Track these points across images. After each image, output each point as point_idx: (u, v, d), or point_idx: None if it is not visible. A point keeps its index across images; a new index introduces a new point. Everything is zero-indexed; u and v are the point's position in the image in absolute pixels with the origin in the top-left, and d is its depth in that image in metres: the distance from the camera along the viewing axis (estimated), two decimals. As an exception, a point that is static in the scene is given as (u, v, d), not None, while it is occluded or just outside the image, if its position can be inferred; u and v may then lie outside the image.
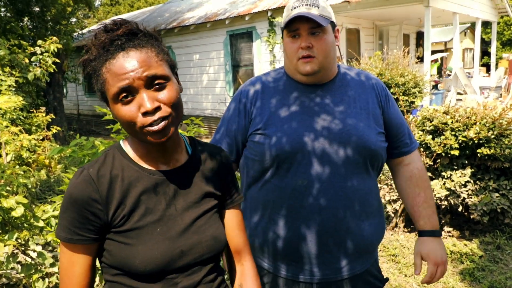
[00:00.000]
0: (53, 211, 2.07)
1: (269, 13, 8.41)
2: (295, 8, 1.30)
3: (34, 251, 2.00)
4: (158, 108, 0.87)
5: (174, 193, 0.98)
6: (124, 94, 0.87)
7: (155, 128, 0.87)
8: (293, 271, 1.32)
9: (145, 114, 0.87)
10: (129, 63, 0.86)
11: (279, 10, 8.30)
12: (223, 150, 1.13)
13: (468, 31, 22.35)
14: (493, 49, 12.50)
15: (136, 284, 0.93)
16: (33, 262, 1.99)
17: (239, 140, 1.41)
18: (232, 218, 1.11)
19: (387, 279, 1.45)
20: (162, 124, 0.88)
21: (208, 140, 1.35)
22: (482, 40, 21.15)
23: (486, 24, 20.87)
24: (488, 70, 18.25)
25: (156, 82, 0.88)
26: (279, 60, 8.65)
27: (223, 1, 10.52)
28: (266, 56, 8.83)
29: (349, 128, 1.29)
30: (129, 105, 0.87)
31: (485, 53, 24.18)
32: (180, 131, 1.07)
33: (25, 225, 2.00)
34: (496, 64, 14.95)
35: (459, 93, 10.11)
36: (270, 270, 1.37)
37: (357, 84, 1.40)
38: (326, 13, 1.30)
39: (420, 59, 10.08)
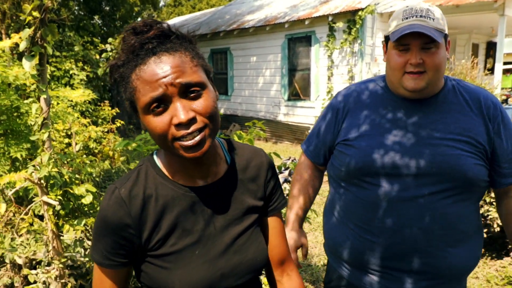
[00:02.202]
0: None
1: (330, 18, 8.30)
2: (406, 18, 1.19)
3: (98, 238, 2.10)
4: (193, 120, 0.78)
5: (212, 210, 0.90)
6: (156, 104, 0.78)
7: (189, 143, 0.78)
8: (367, 282, 1.30)
9: (179, 125, 0.77)
10: (161, 69, 0.77)
11: (340, 15, 8.17)
12: (263, 153, 1.03)
13: (544, 42, 20.70)
14: None
15: None
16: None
17: (327, 145, 1.40)
18: (274, 226, 1.03)
19: None
20: (198, 138, 0.78)
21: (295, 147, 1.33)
22: (560, 52, 19.49)
23: None
24: None
25: (191, 90, 0.79)
26: (337, 65, 8.51)
27: (284, 4, 10.54)
28: (324, 61, 8.73)
29: (439, 149, 1.20)
30: (161, 116, 0.78)
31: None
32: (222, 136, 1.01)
33: (92, 212, 2.10)
34: None
35: (531, 109, 9.37)
36: (344, 275, 1.37)
37: (464, 102, 1.26)
38: (440, 25, 1.19)
39: (490, 70, 9.50)
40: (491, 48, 11.85)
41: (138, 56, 0.79)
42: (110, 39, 5.69)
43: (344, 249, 1.32)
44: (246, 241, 0.93)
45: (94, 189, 1.96)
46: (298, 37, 9.23)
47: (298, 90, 9.44)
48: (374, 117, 1.28)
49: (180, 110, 0.77)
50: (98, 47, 5.80)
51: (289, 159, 7.20)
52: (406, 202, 1.20)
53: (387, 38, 1.28)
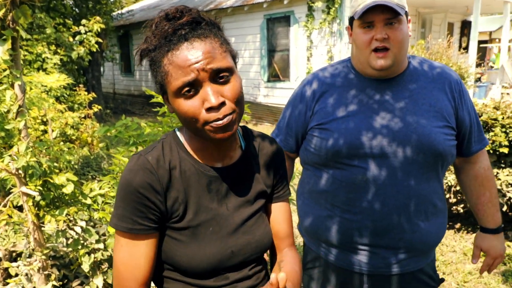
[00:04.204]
0: (99, 189, 2.12)
1: (309, -3, 8.22)
2: None
3: (81, 227, 2.06)
4: (222, 104, 0.82)
5: (226, 191, 0.95)
6: (187, 88, 0.81)
7: (219, 123, 0.82)
8: (345, 260, 1.33)
9: (209, 109, 0.81)
10: (193, 55, 0.80)
11: (319, -6, 8.09)
12: (275, 142, 1.09)
13: (516, 21, 21.14)
14: (543, 41, 11.78)
15: (188, 280, 0.92)
16: (79, 237, 2.05)
17: (300, 132, 1.40)
18: (279, 212, 1.07)
19: (442, 280, 1.42)
20: (226, 120, 0.82)
21: (269, 128, 1.32)
22: (531, 31, 19.94)
23: (536, 14, 19.64)
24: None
25: (221, 75, 0.83)
26: (316, 46, 8.49)
27: (262, -17, 10.36)
28: (303, 42, 8.69)
29: (411, 126, 1.24)
30: (192, 99, 0.82)
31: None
32: None
33: (73, 201, 2.05)
34: (546, 57, 14.09)
35: (504, 87, 9.63)
36: (321, 255, 1.39)
37: (428, 79, 1.32)
38: (401, 1, 1.22)
39: (466, 49, 9.66)
40: (465, 27, 12.04)
41: (171, 41, 0.82)
42: (84, 21, 5.49)
43: (322, 230, 1.35)
44: (254, 224, 0.98)
45: (75, 178, 1.91)
46: (277, 17, 9.13)
47: (277, 71, 9.40)
48: (345, 100, 1.30)
49: (211, 94, 0.81)
50: (71, 29, 5.58)
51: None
52: (384, 181, 1.23)
53: (351, 20, 1.29)
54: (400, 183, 1.23)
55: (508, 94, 8.47)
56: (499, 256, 1.47)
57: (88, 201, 2.00)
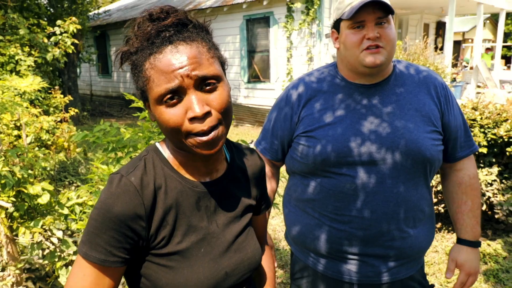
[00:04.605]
0: (77, 198, 2.04)
1: (288, -2, 8.23)
2: None
3: (58, 238, 1.98)
4: (208, 114, 0.75)
5: (215, 208, 0.88)
6: (170, 95, 0.74)
7: (204, 138, 0.75)
8: (334, 269, 1.30)
9: (193, 119, 0.74)
10: (178, 60, 0.73)
11: (298, -5, 8.10)
12: (256, 154, 1.05)
13: (488, 21, 21.82)
14: (515, 42, 12.15)
15: None
16: (56, 248, 1.97)
17: (286, 139, 1.36)
18: (259, 221, 1.07)
19: (432, 286, 1.40)
20: (212, 135, 0.76)
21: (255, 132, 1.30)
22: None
23: (506, 15, 20.30)
24: (507, 63, 17.83)
25: (207, 82, 0.76)
26: (296, 47, 8.50)
27: (241, -16, 10.32)
28: (283, 43, 8.68)
29: (399, 131, 1.22)
30: (174, 108, 0.75)
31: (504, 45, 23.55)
32: None
33: (49, 211, 1.97)
34: (517, 57, 14.54)
35: (478, 86, 9.88)
36: (310, 265, 1.36)
37: (414, 83, 1.30)
38: (388, 2, 1.20)
39: (441, 49, 9.85)
40: (440, 27, 12.30)
41: (154, 44, 0.75)
42: (59, 22, 5.32)
43: (311, 239, 1.32)
44: (245, 240, 0.93)
45: (51, 187, 1.83)
46: (256, 18, 9.10)
47: (257, 72, 9.37)
48: (332, 106, 1.27)
49: (195, 103, 0.74)
50: (45, 30, 5.39)
51: (251, 143, 7.21)
52: (372, 188, 1.21)
53: (337, 23, 1.26)
54: (389, 190, 1.21)
55: (483, 93, 8.69)
56: (474, 273, 1.38)
57: (65, 211, 1.92)
